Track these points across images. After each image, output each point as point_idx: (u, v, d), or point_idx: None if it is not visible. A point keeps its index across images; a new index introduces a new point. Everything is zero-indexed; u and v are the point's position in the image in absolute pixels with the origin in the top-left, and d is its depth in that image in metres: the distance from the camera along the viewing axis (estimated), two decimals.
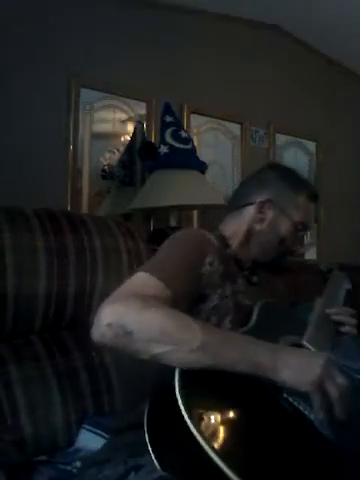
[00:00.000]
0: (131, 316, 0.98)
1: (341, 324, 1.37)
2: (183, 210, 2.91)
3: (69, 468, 1.23)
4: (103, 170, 2.93)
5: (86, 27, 2.88)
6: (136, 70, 3.01)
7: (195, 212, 3.23)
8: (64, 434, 1.33)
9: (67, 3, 2.80)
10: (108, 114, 3.02)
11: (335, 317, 1.37)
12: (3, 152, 2.52)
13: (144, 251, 1.61)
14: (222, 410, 0.94)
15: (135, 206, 2.57)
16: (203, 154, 2.92)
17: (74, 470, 1.22)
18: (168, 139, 2.58)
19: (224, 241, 1.37)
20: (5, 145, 2.53)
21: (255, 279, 1.42)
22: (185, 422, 0.85)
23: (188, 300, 1.17)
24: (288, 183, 1.42)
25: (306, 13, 3.38)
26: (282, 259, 1.45)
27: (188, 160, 2.60)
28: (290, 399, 1.04)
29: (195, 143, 2.78)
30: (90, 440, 1.28)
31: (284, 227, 1.39)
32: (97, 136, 2.98)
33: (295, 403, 1.04)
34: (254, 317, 1.26)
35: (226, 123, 3.51)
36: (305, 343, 1.22)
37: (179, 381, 0.92)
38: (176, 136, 2.59)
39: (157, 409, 0.95)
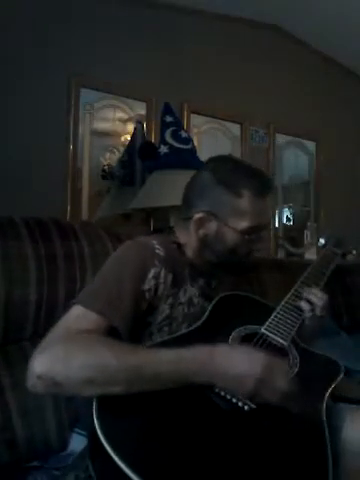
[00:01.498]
0: (58, 368, 0.98)
1: (311, 305, 1.30)
2: None
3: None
4: (103, 170, 2.93)
5: (86, 27, 2.88)
6: (136, 70, 3.01)
7: None
8: (57, 438, 1.32)
9: (67, 3, 2.81)
10: (108, 114, 3.03)
11: (306, 295, 1.31)
12: (3, 152, 2.52)
13: None
14: (144, 424, 0.93)
15: (135, 206, 2.57)
16: (203, 154, 2.91)
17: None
18: (168, 139, 2.57)
19: (179, 248, 1.31)
20: (5, 145, 2.54)
21: (214, 283, 1.35)
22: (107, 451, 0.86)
23: (131, 320, 1.13)
24: (224, 186, 1.26)
25: (306, 13, 3.38)
26: (242, 262, 1.33)
27: (188, 160, 2.59)
28: (222, 393, 1.02)
29: (195, 143, 2.78)
30: (82, 443, 1.27)
31: (229, 238, 1.26)
32: (97, 136, 2.98)
33: (228, 396, 1.01)
34: (206, 313, 1.23)
35: (226, 123, 3.52)
36: (264, 331, 1.21)
37: (97, 411, 0.93)
38: (176, 136, 2.58)
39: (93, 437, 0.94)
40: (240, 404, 1.01)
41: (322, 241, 1.67)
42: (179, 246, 1.31)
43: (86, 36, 2.88)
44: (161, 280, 1.21)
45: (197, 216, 1.27)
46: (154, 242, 1.25)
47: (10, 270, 1.35)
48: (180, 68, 3.21)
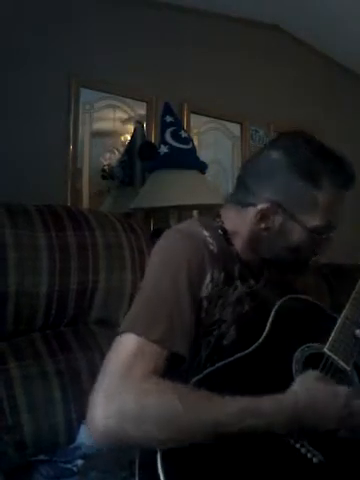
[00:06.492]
0: (128, 429, 0.86)
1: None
2: (183, 210, 2.91)
3: (69, 466, 1.22)
4: (103, 170, 2.93)
5: (86, 27, 2.87)
6: (136, 70, 3.00)
7: (195, 212, 3.23)
8: (65, 433, 1.32)
9: (67, 3, 2.80)
10: (108, 114, 3.02)
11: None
12: (3, 152, 2.51)
13: (146, 247, 1.61)
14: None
15: (135, 206, 2.57)
16: (203, 154, 2.91)
17: (74, 468, 1.21)
18: (168, 139, 2.57)
19: (225, 235, 1.12)
20: (5, 145, 2.53)
21: (262, 282, 1.19)
22: None
23: (191, 336, 0.99)
24: (300, 173, 1.07)
25: (306, 13, 3.38)
26: (303, 264, 1.17)
27: (188, 160, 2.60)
28: (291, 441, 0.94)
29: (195, 143, 2.78)
30: (90, 436, 1.27)
31: (296, 235, 1.09)
32: (97, 136, 2.97)
33: (297, 445, 0.94)
34: (267, 327, 1.08)
35: (226, 123, 3.51)
36: (327, 352, 1.09)
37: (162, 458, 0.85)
38: (176, 136, 2.58)
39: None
40: (309, 455, 0.92)
41: None
42: (225, 233, 1.13)
43: (86, 36, 2.87)
44: (215, 282, 1.05)
45: (262, 206, 1.07)
46: (205, 234, 1.08)
47: (21, 260, 1.34)
48: (180, 68, 3.20)
